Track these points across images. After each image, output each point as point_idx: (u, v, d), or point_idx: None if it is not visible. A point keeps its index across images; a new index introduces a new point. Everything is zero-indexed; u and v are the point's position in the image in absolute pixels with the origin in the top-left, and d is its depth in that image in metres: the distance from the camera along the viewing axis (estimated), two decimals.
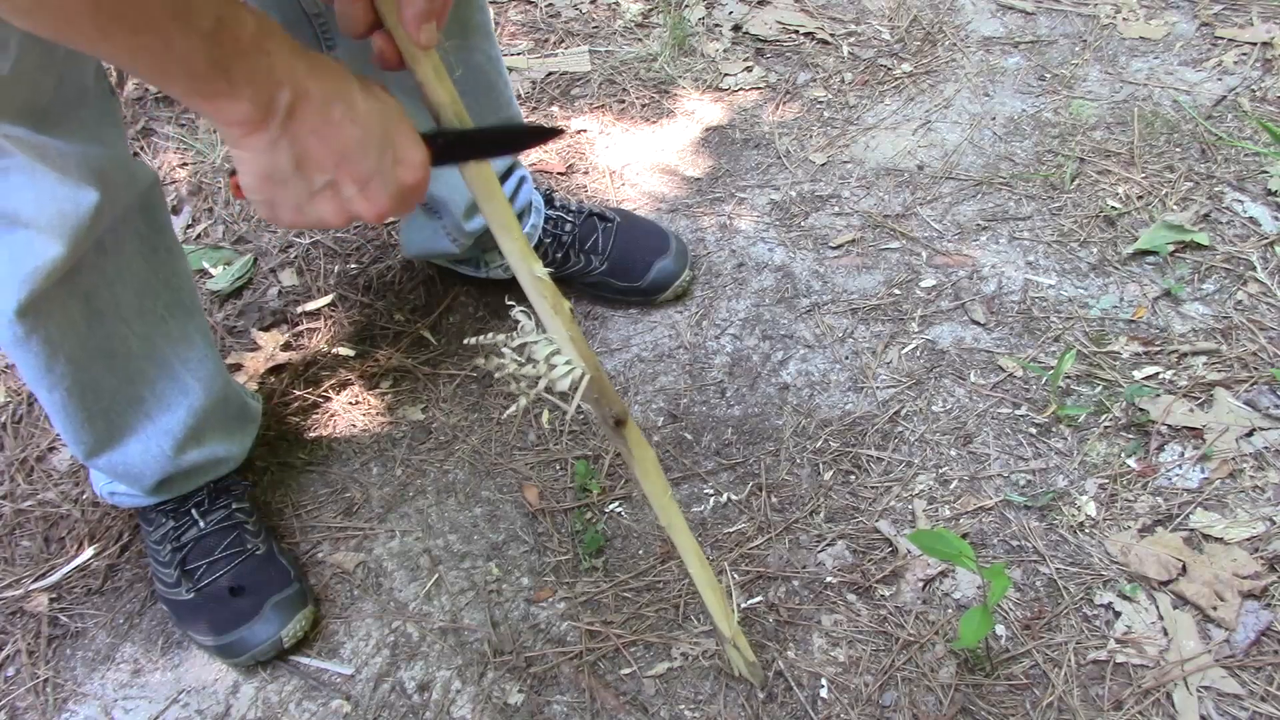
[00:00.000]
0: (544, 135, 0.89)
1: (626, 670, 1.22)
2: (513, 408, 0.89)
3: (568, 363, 0.88)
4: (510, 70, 1.78)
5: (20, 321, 1.07)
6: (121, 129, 1.09)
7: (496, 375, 0.86)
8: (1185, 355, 1.45)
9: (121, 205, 1.09)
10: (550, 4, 2.29)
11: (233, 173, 0.77)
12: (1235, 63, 1.90)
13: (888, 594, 1.26)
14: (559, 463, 1.44)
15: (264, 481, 1.47)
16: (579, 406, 0.88)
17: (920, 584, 1.26)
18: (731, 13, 2.19)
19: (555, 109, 2.02)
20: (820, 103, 1.96)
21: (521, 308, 0.89)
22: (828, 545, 1.31)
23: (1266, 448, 1.34)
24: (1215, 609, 1.19)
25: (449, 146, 0.81)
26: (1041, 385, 1.45)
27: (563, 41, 2.18)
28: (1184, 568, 1.23)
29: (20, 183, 0.98)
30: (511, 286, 0.88)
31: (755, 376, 1.52)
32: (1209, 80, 1.88)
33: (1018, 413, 1.42)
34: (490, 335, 0.88)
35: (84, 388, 1.17)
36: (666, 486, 1.02)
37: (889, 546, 1.30)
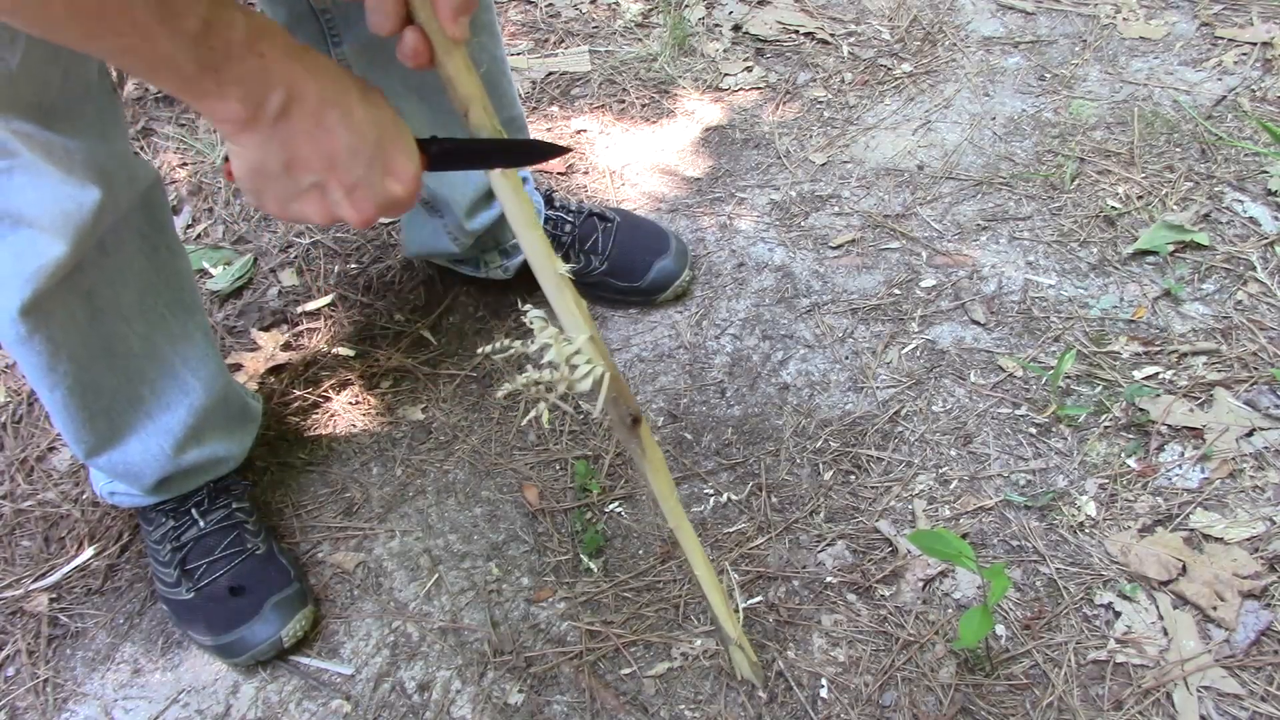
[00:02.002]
0: (544, 152, 0.89)
1: (626, 670, 1.22)
2: (532, 413, 0.88)
3: (588, 362, 0.87)
4: (511, 70, 1.79)
5: (23, 320, 1.07)
6: (123, 127, 1.09)
7: (520, 384, 0.85)
8: (1185, 355, 1.45)
9: (123, 204, 1.09)
10: (550, 4, 2.29)
11: (227, 159, 0.78)
12: (1235, 63, 1.90)
13: (888, 594, 1.26)
14: (559, 463, 1.44)
15: (264, 481, 1.47)
16: (583, 405, 0.87)
17: (920, 584, 1.26)
18: (731, 13, 2.19)
19: (555, 109, 2.02)
20: (820, 103, 1.96)
21: (535, 310, 0.88)
22: (828, 545, 1.31)
23: (1266, 448, 1.34)
24: (1215, 609, 1.19)
25: (444, 155, 0.82)
26: (1041, 385, 1.45)
27: (563, 41, 2.19)
28: (1184, 568, 1.23)
29: (24, 182, 0.98)
30: (513, 287, 0.88)
31: (755, 376, 1.52)
32: (1209, 80, 1.88)
33: (1018, 413, 1.42)
34: (506, 342, 0.87)
35: (85, 387, 1.17)
36: (674, 488, 1.02)
37: (889, 546, 1.30)
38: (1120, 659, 1.17)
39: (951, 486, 1.36)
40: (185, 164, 1.98)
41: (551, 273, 0.85)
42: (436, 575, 1.34)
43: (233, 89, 0.69)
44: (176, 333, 1.23)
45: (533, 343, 0.86)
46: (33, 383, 1.16)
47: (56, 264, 1.03)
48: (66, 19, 0.62)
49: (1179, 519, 1.28)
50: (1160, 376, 1.43)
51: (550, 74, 2.10)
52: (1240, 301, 1.51)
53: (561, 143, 1.05)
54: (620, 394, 0.92)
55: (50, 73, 0.94)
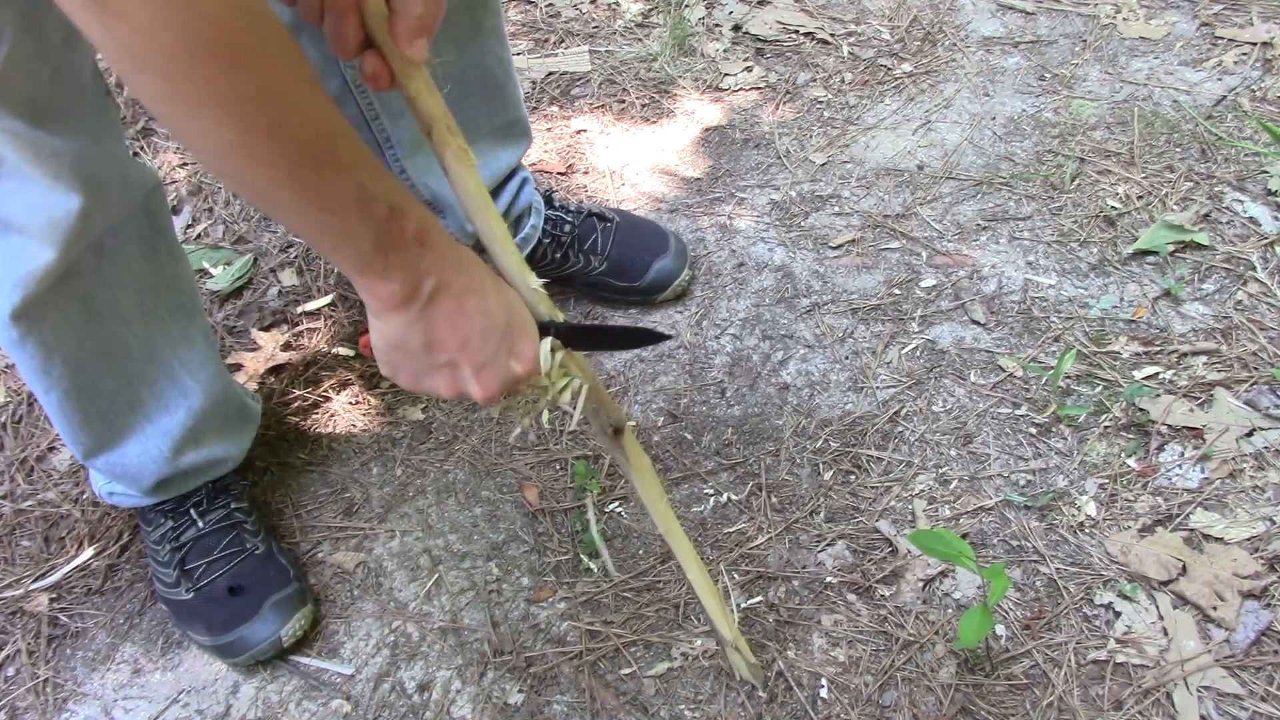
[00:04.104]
0: (649, 338, 0.97)
1: (626, 670, 1.22)
2: (517, 430, 0.90)
3: (565, 375, 0.88)
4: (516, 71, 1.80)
5: (15, 325, 1.07)
6: (118, 131, 1.09)
7: (504, 405, 0.88)
8: (1185, 355, 1.45)
9: (117, 208, 1.09)
10: (550, 4, 2.29)
11: (365, 331, 0.83)
12: (1235, 63, 1.90)
13: (888, 594, 1.26)
14: (559, 463, 1.44)
15: (264, 481, 1.47)
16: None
17: (920, 584, 1.26)
18: (731, 13, 2.19)
19: (555, 109, 2.02)
20: (820, 103, 1.96)
21: None
22: (828, 545, 1.31)
23: (1266, 448, 1.34)
24: (1215, 609, 1.19)
25: (560, 337, 0.87)
26: (1041, 385, 1.45)
27: (563, 41, 2.19)
28: (1184, 568, 1.23)
29: (11, 189, 0.98)
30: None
31: (755, 376, 1.52)
32: (1209, 80, 1.88)
33: (1018, 413, 1.42)
34: None
35: (81, 390, 1.17)
36: (663, 493, 1.02)
37: (889, 546, 1.30)
38: (1120, 659, 1.17)
39: (951, 486, 1.36)
40: (185, 164, 1.98)
41: (524, 286, 0.86)
42: (436, 575, 1.34)
43: (397, 273, 0.75)
44: (176, 336, 1.23)
45: None
46: (29, 384, 1.17)
47: (45, 270, 1.04)
48: (280, 192, 0.68)
49: (1179, 519, 1.28)
50: (1160, 376, 1.43)
51: (550, 74, 2.10)
52: (1240, 301, 1.51)
53: (662, 331, 1.12)
54: (602, 404, 0.93)
55: (39, 70, 0.94)
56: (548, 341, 0.86)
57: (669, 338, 1.00)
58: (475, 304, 0.80)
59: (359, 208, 0.71)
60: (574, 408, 0.88)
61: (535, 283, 0.86)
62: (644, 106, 2.00)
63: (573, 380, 0.88)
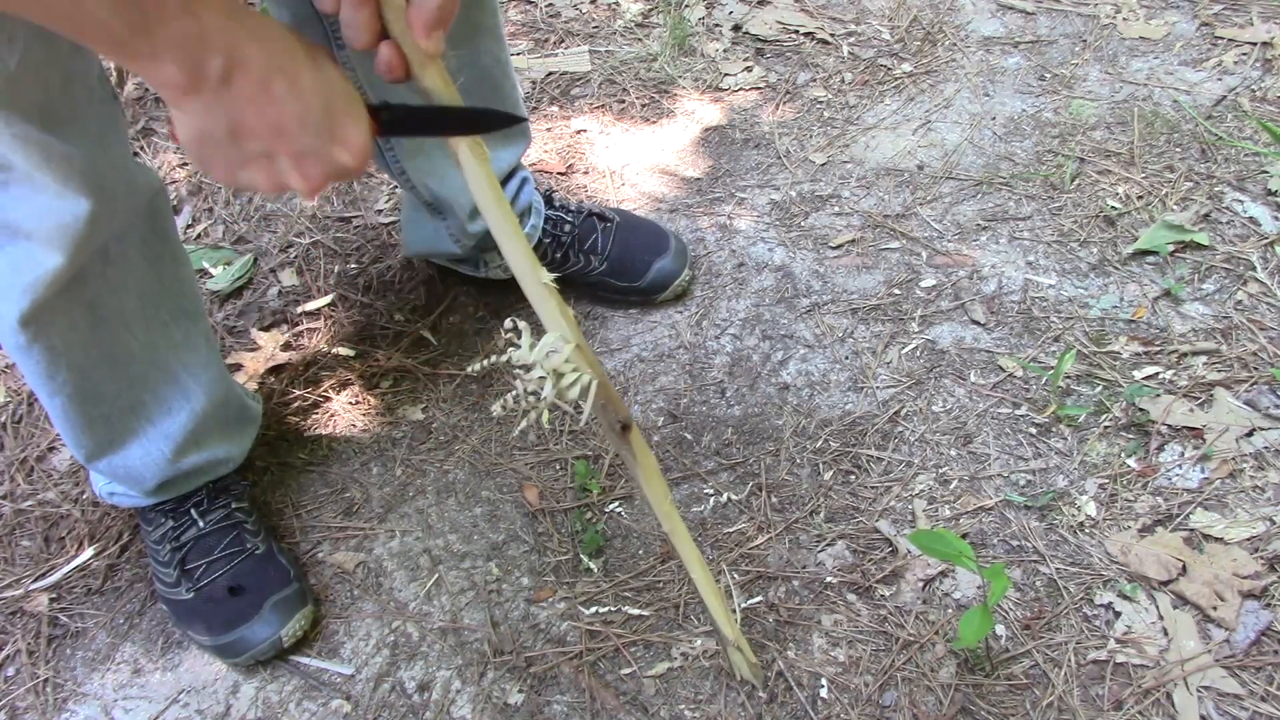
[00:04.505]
0: (498, 120, 0.86)
1: (626, 670, 1.22)
2: (522, 424, 0.88)
3: (575, 370, 0.88)
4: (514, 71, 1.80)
5: (23, 330, 1.07)
6: (124, 134, 1.09)
7: (513, 400, 0.86)
8: (1185, 355, 1.45)
9: (122, 213, 1.09)
10: (550, 4, 2.29)
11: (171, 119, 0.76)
12: (1235, 63, 1.90)
13: (888, 594, 1.26)
14: (559, 463, 1.44)
15: (264, 481, 1.47)
16: (583, 405, 0.87)
17: (920, 584, 1.26)
18: (731, 13, 2.19)
19: (555, 109, 2.02)
20: (820, 103, 1.96)
21: (522, 321, 0.88)
22: (828, 545, 1.31)
23: (1266, 448, 1.34)
24: (1215, 609, 1.19)
25: (396, 121, 0.81)
26: (1041, 385, 1.45)
27: (563, 41, 2.19)
28: (1184, 568, 1.23)
29: (20, 194, 0.98)
30: (513, 287, 0.88)
31: (755, 376, 1.52)
32: (1209, 80, 1.88)
33: (1018, 413, 1.42)
34: (494, 359, 0.87)
35: (85, 394, 1.17)
36: (668, 492, 1.02)
37: (889, 546, 1.30)
38: (1120, 659, 1.17)
39: (951, 486, 1.36)
40: (185, 163, 1.98)
41: (534, 281, 0.85)
42: (436, 575, 1.34)
43: (167, 52, 0.66)
44: (179, 340, 1.23)
45: (520, 354, 0.86)
46: (34, 389, 1.17)
47: (53, 275, 1.04)
48: None
49: (1179, 519, 1.28)
50: (1160, 376, 1.43)
51: (550, 74, 2.10)
52: (1240, 301, 1.51)
53: (515, 113, 1.01)
54: (610, 400, 0.92)
55: (50, 75, 0.94)
56: (556, 335, 0.85)
57: (520, 120, 0.91)
58: (283, 84, 0.71)
59: None
60: (584, 403, 0.88)
61: (546, 277, 0.86)
62: (644, 106, 2.01)
63: (582, 376, 0.87)
